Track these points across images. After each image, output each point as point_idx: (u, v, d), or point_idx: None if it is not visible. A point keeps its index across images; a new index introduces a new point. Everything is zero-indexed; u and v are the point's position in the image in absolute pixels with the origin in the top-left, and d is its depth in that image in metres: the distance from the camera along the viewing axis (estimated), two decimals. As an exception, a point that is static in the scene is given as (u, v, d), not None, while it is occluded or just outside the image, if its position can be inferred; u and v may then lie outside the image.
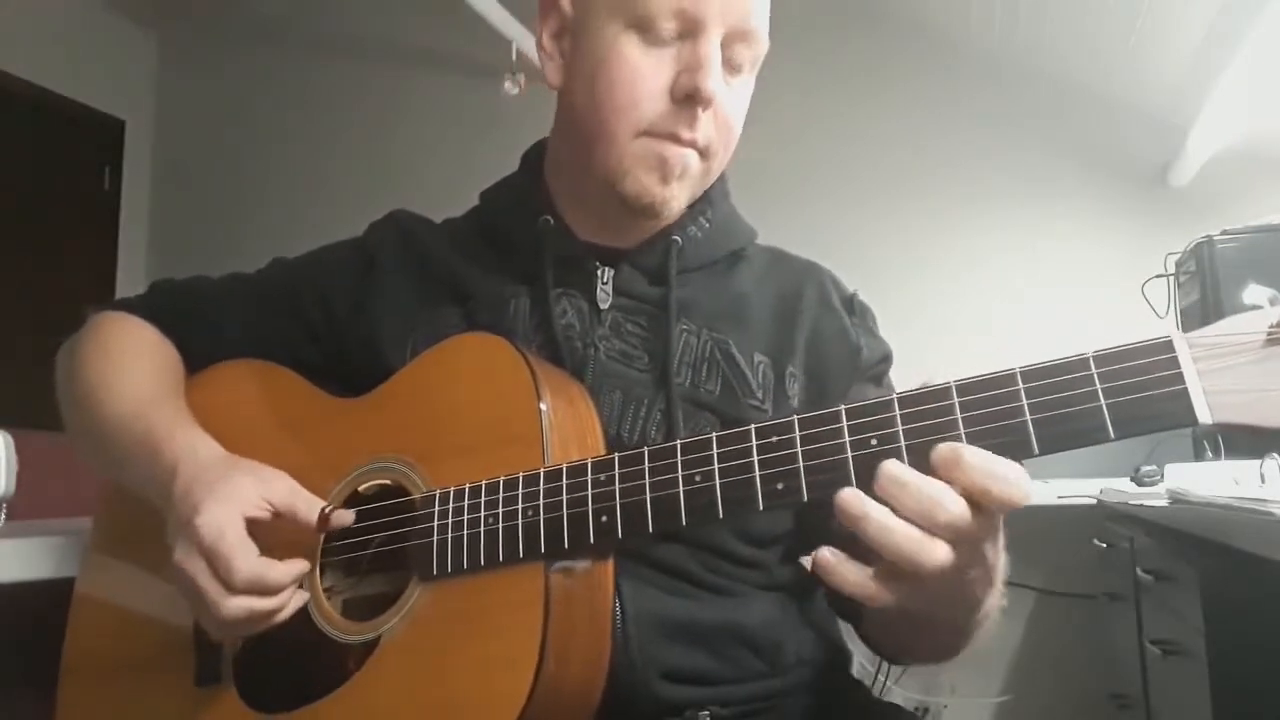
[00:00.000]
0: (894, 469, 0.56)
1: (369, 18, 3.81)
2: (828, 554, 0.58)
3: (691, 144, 0.79)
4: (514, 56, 3.23)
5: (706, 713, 0.76)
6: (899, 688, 2.61)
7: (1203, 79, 2.41)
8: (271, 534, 0.75)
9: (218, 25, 4.06)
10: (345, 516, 0.75)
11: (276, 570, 0.71)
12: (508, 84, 3.27)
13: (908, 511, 0.55)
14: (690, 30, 0.77)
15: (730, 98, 0.81)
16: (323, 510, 0.74)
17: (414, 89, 3.75)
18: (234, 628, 0.71)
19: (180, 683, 0.79)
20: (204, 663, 0.79)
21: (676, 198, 0.81)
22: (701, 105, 0.78)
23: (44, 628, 0.90)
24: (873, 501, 0.56)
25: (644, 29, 0.77)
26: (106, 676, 0.85)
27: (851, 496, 0.56)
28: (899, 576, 0.57)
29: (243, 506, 0.72)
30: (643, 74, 0.78)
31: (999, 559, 0.63)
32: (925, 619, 0.68)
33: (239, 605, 0.70)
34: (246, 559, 0.70)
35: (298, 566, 0.73)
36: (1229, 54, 2.21)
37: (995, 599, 0.68)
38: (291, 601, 0.73)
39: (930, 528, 0.55)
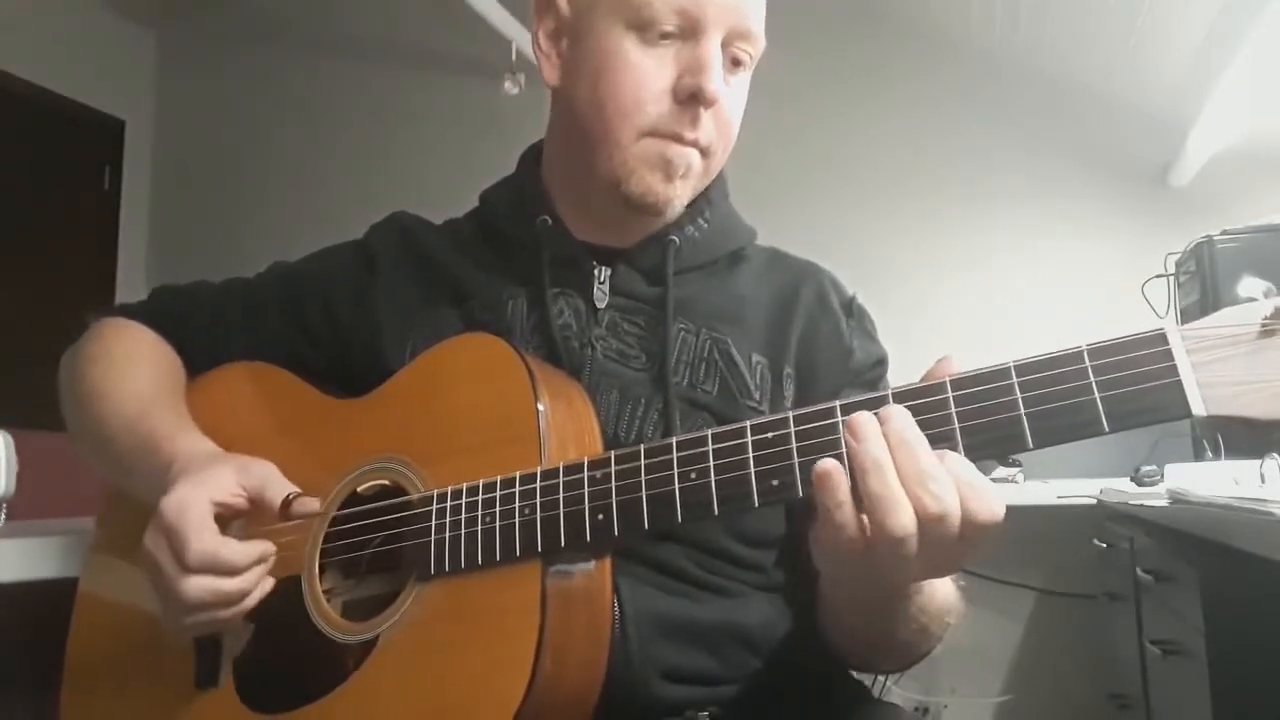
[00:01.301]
0: (902, 423, 0.56)
1: (369, 17, 3.81)
2: (832, 463, 0.57)
3: (694, 143, 0.80)
4: (514, 56, 3.23)
5: (706, 713, 0.76)
6: (899, 688, 2.62)
7: (1203, 79, 2.40)
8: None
9: (218, 25, 4.06)
10: (308, 505, 0.75)
11: (232, 548, 0.70)
12: (508, 84, 3.27)
13: (903, 468, 0.55)
14: (691, 30, 0.78)
15: (730, 97, 0.81)
16: (287, 496, 0.74)
17: (414, 89, 3.75)
18: (193, 611, 0.70)
19: (180, 684, 0.79)
20: (203, 664, 0.79)
21: (680, 196, 0.82)
22: (705, 105, 0.78)
23: (44, 628, 0.90)
24: (883, 443, 0.56)
25: (644, 29, 0.78)
26: (108, 677, 0.85)
27: (867, 419, 0.56)
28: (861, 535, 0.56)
29: (213, 491, 0.72)
30: (646, 75, 0.78)
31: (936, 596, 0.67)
32: (860, 626, 0.72)
33: (196, 585, 0.69)
34: (201, 536, 0.69)
35: (258, 548, 0.72)
36: (1229, 54, 2.21)
37: (934, 629, 0.71)
38: (258, 588, 0.72)
39: (916, 492, 0.55)
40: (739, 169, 0.94)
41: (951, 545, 0.56)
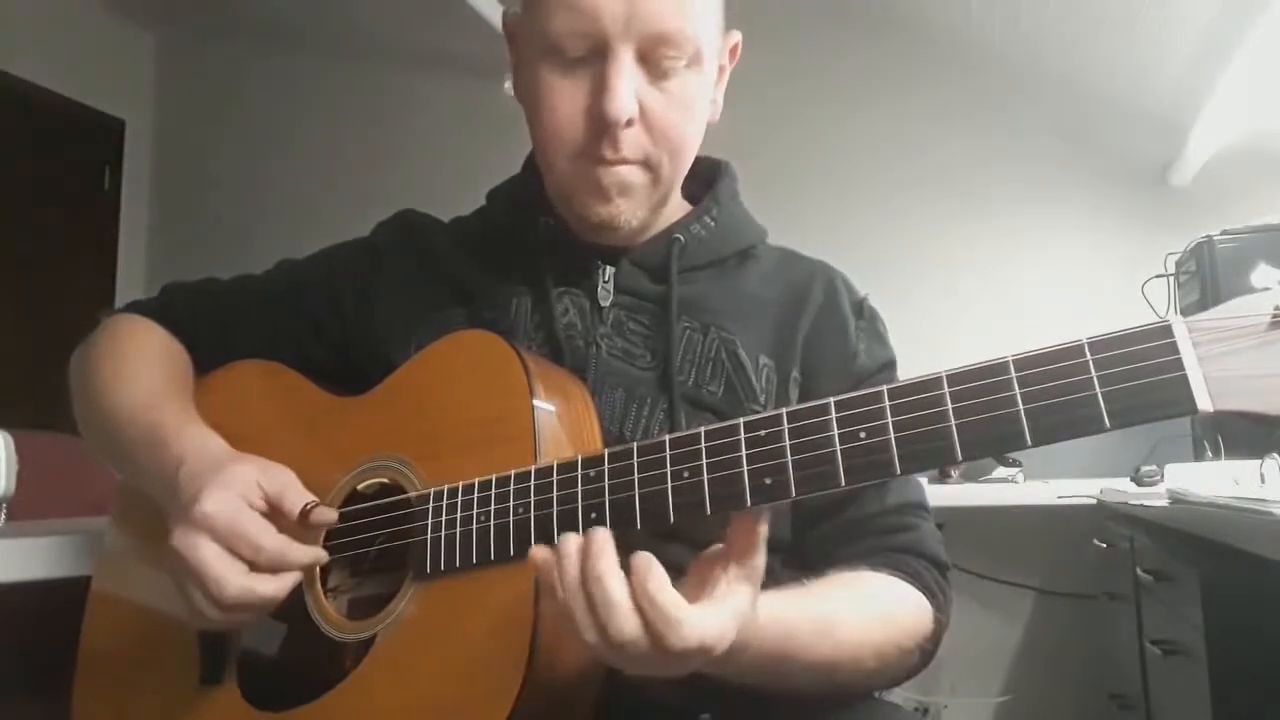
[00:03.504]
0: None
1: (369, 18, 3.81)
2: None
3: (620, 161, 0.78)
4: (514, 56, 3.23)
5: (707, 715, 0.76)
6: (899, 688, 2.61)
7: (1203, 78, 2.40)
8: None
9: (218, 25, 4.05)
10: (327, 515, 0.75)
11: (298, 549, 0.71)
12: (508, 84, 3.26)
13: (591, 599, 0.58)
14: (598, 51, 0.76)
15: (664, 103, 0.78)
16: (305, 506, 0.74)
17: (414, 89, 3.74)
18: (239, 610, 0.70)
19: (185, 681, 0.79)
20: (208, 662, 0.79)
21: (626, 212, 0.81)
22: (616, 128, 0.76)
23: (44, 628, 0.90)
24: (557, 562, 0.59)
25: (557, 55, 0.77)
26: (118, 672, 0.86)
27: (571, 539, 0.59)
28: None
29: (242, 491, 0.72)
30: (562, 99, 0.78)
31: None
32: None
33: (253, 583, 0.69)
34: (272, 536, 0.70)
35: (316, 551, 0.73)
36: (1229, 54, 2.21)
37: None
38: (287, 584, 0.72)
39: (601, 620, 0.57)
40: (738, 168, 0.94)
41: (654, 661, 0.58)
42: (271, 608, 0.71)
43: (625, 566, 0.74)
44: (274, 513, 0.73)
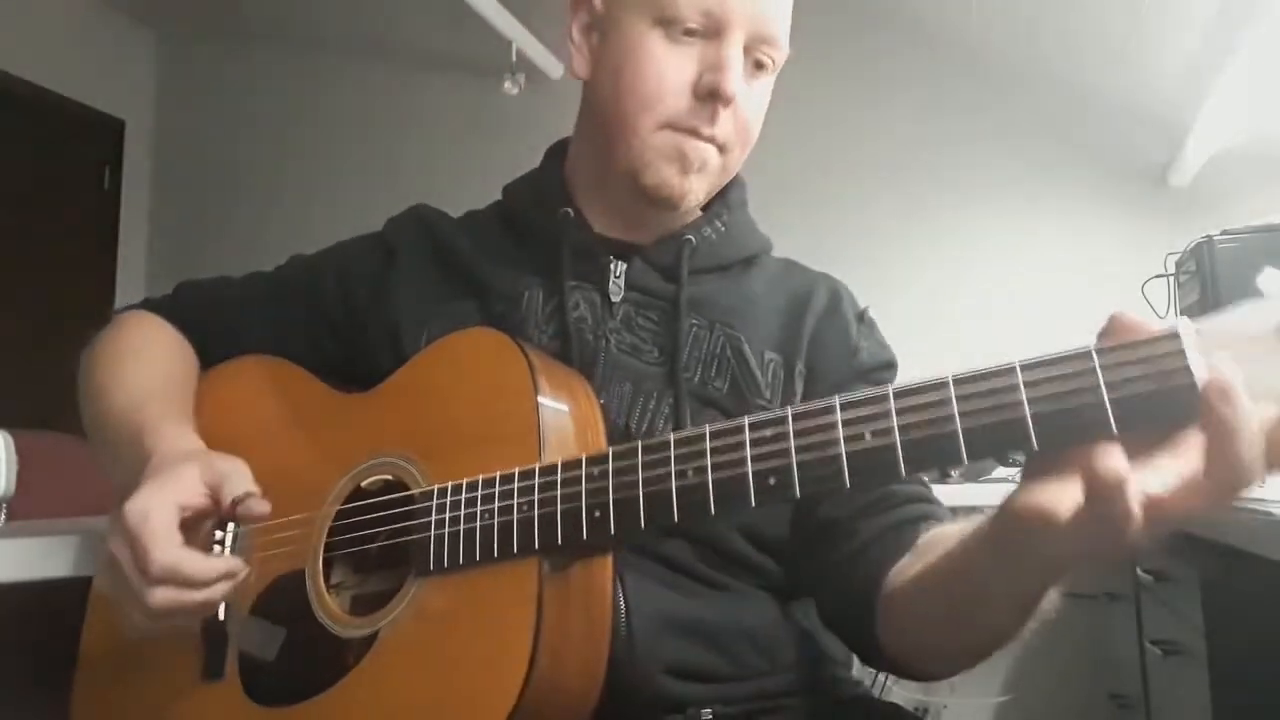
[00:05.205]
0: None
1: (369, 17, 3.81)
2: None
3: (711, 139, 0.82)
4: (514, 57, 3.23)
5: (709, 710, 0.76)
6: (899, 688, 2.61)
7: (1203, 79, 2.41)
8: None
9: (218, 25, 4.05)
10: (258, 507, 0.74)
11: (194, 562, 0.69)
12: (508, 84, 3.26)
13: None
14: (714, 30, 0.81)
15: (750, 98, 0.84)
16: (235, 497, 0.73)
17: (414, 89, 3.74)
18: (156, 618, 0.70)
19: (188, 676, 0.79)
20: (210, 657, 0.79)
21: (694, 190, 0.84)
22: (723, 104, 0.81)
23: (43, 628, 0.90)
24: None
25: (669, 25, 0.81)
26: (118, 669, 0.85)
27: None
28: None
29: (178, 493, 0.71)
30: (668, 68, 0.81)
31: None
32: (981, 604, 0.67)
33: (160, 596, 0.68)
34: (164, 548, 0.68)
35: (224, 564, 0.72)
36: (1229, 54, 2.21)
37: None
38: (217, 595, 0.71)
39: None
40: (743, 167, 0.94)
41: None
42: (193, 618, 0.71)
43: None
44: (216, 506, 0.73)
